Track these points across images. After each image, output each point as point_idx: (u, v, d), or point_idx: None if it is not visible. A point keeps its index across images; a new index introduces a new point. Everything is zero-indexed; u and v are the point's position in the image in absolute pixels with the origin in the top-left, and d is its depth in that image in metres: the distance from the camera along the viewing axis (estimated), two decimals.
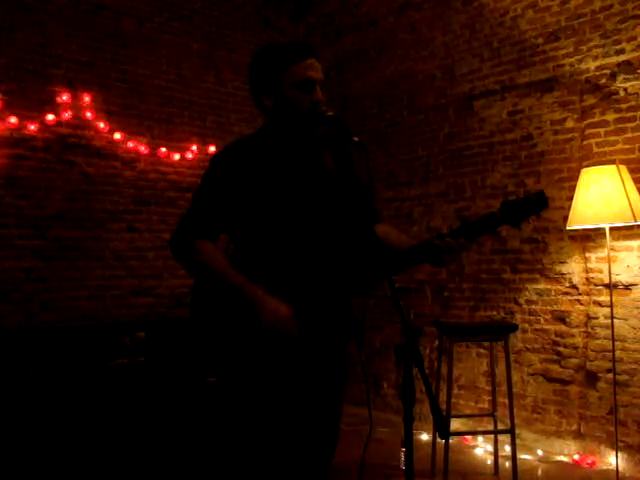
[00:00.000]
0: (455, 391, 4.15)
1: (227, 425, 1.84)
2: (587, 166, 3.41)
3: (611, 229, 3.25)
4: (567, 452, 3.61)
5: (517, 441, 3.23)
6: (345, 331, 1.82)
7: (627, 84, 3.45)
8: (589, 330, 3.59)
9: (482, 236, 1.81)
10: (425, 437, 3.97)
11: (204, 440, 3.30)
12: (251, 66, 1.80)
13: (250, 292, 1.62)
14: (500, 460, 3.44)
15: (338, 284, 1.72)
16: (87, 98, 4.02)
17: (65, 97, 3.92)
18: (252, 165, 1.72)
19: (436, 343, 3.88)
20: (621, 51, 3.46)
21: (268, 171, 1.72)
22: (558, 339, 3.73)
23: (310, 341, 1.71)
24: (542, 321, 3.82)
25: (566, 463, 3.54)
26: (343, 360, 1.89)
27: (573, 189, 3.42)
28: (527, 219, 1.75)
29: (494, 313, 4.08)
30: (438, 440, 3.38)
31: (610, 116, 3.51)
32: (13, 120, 3.69)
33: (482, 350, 4.09)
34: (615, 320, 3.32)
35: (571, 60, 3.70)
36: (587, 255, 3.61)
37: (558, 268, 3.75)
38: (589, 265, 3.60)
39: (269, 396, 1.72)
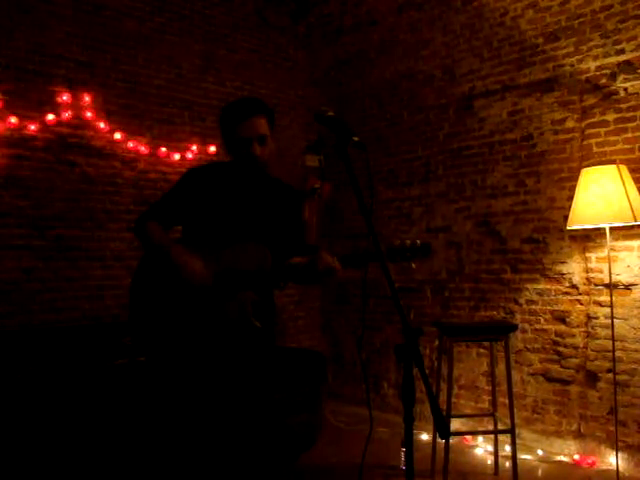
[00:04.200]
0: (455, 391, 4.15)
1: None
2: (587, 166, 3.41)
3: (611, 229, 3.25)
4: (567, 452, 3.62)
5: (517, 441, 3.24)
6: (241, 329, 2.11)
7: (627, 84, 3.45)
8: (589, 330, 3.59)
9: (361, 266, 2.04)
10: (425, 437, 3.97)
11: (203, 440, 3.29)
12: (218, 121, 2.24)
13: (175, 252, 2.08)
14: (500, 460, 3.44)
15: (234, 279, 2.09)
16: (87, 98, 4.02)
17: (65, 97, 3.92)
18: (211, 186, 2.22)
19: (436, 343, 3.88)
20: (621, 51, 3.46)
21: (218, 194, 2.21)
22: (558, 339, 3.73)
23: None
24: (542, 321, 3.82)
25: (566, 463, 3.55)
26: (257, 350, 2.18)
27: (573, 189, 3.43)
28: (405, 261, 1.99)
29: (494, 313, 4.08)
30: (438, 440, 3.39)
31: (610, 116, 3.52)
32: (13, 120, 3.69)
33: (482, 350, 4.09)
34: (615, 320, 3.32)
35: (571, 60, 3.70)
36: (587, 255, 3.61)
37: (558, 268, 3.75)
38: (589, 265, 3.61)
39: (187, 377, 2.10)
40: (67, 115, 3.92)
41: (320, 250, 2.05)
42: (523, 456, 3.57)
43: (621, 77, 3.47)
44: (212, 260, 2.10)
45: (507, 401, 3.26)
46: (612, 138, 3.51)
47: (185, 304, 2.10)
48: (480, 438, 3.85)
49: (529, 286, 3.90)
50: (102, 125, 4.08)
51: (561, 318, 3.73)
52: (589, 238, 3.59)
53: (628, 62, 3.44)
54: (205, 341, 2.08)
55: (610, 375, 3.39)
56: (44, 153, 3.84)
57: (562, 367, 3.71)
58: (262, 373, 2.17)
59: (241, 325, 2.06)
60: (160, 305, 2.17)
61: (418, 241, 2.00)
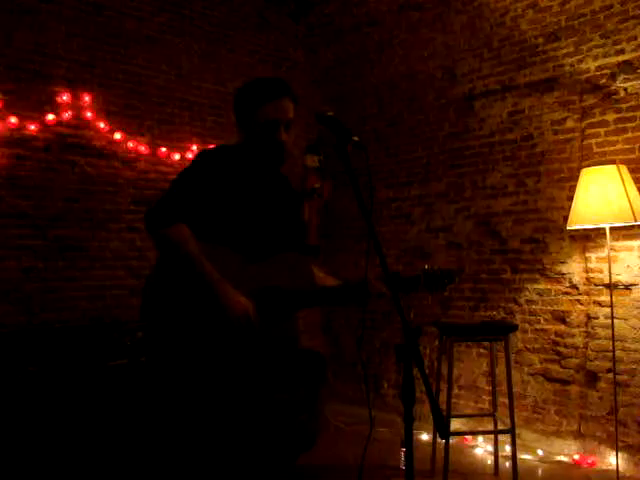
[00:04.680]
0: (455, 391, 4.15)
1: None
2: (587, 166, 3.41)
3: (611, 229, 3.25)
4: (567, 452, 3.61)
5: (517, 441, 3.23)
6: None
7: (627, 84, 3.45)
8: (589, 330, 3.59)
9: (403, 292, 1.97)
10: (425, 437, 3.97)
11: (203, 440, 3.29)
12: (234, 101, 2.01)
13: (218, 285, 1.79)
14: (500, 460, 3.44)
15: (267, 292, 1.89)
16: (87, 98, 4.02)
17: (65, 97, 3.92)
18: (227, 173, 1.94)
19: (436, 343, 3.88)
20: (621, 51, 3.46)
21: (235, 183, 1.95)
22: (558, 339, 3.73)
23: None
24: (542, 321, 3.82)
25: (566, 463, 3.54)
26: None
27: (573, 189, 3.42)
28: (440, 290, 1.95)
29: (494, 313, 4.07)
30: (438, 440, 3.39)
31: (610, 116, 3.51)
32: (13, 120, 3.69)
33: (482, 350, 4.09)
34: (615, 320, 3.32)
35: (571, 60, 3.70)
36: (587, 255, 3.61)
37: (558, 268, 3.75)
38: (589, 265, 3.60)
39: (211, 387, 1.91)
40: (67, 115, 3.92)
41: (368, 277, 1.89)
42: (523, 456, 3.57)
43: (621, 77, 3.47)
44: (246, 279, 1.85)
45: (507, 401, 3.25)
46: (612, 138, 3.51)
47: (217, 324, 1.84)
48: (480, 438, 3.85)
49: (529, 286, 3.90)
50: (102, 125, 4.08)
51: (561, 318, 3.72)
52: (589, 238, 3.59)
53: (628, 62, 3.44)
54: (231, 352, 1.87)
55: (610, 375, 3.38)
56: (44, 153, 3.84)
57: (562, 367, 3.71)
58: (269, 373, 2.04)
59: (286, 347, 1.91)
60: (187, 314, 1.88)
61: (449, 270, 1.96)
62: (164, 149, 4.39)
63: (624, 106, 3.46)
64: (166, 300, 1.89)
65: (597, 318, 3.55)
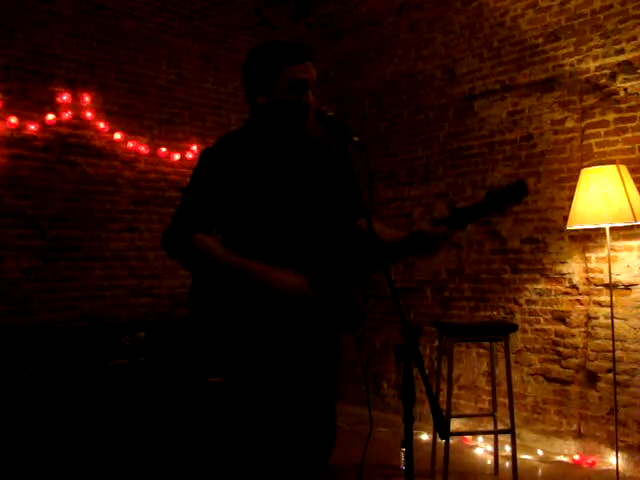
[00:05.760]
0: (455, 391, 4.15)
1: (229, 422, 1.88)
2: (587, 166, 3.41)
3: (611, 229, 3.25)
4: (567, 452, 3.61)
5: (517, 441, 3.23)
6: (339, 319, 1.84)
7: (627, 84, 3.44)
8: (589, 330, 3.59)
9: (470, 223, 2.04)
10: (425, 437, 3.97)
11: (204, 440, 3.30)
12: (246, 63, 1.86)
13: (258, 269, 1.67)
14: (500, 460, 3.44)
15: (328, 274, 1.76)
16: (87, 98, 4.02)
17: (65, 97, 3.92)
18: (241, 162, 1.77)
19: (436, 343, 3.88)
20: (621, 51, 3.46)
21: (256, 168, 1.77)
22: (558, 339, 3.73)
23: (307, 327, 1.76)
24: (542, 321, 3.82)
25: (566, 463, 3.54)
26: (335, 350, 1.94)
27: (573, 189, 3.42)
28: (510, 206, 1.91)
29: (494, 313, 4.07)
30: (438, 440, 3.38)
31: (610, 116, 3.51)
32: (13, 120, 3.69)
33: (482, 350, 4.09)
34: (615, 320, 3.32)
35: (571, 60, 3.70)
36: (587, 255, 3.61)
37: (558, 268, 3.75)
38: (589, 265, 3.60)
39: (268, 390, 1.78)
40: (67, 115, 3.92)
41: (422, 223, 1.84)
42: (523, 456, 3.56)
43: (621, 77, 3.47)
44: (294, 260, 1.72)
45: (507, 401, 3.25)
46: (612, 138, 3.51)
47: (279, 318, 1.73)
48: (480, 438, 3.85)
49: (529, 286, 3.90)
50: (102, 125, 4.08)
51: (561, 318, 3.72)
52: (589, 238, 3.59)
53: (628, 62, 3.44)
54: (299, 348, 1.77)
55: (610, 375, 3.38)
56: (44, 153, 3.84)
57: (562, 367, 3.71)
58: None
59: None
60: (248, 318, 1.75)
61: (513, 181, 1.88)
62: (164, 149, 4.38)
63: (624, 106, 3.46)
64: (217, 305, 1.78)
65: (597, 318, 3.55)
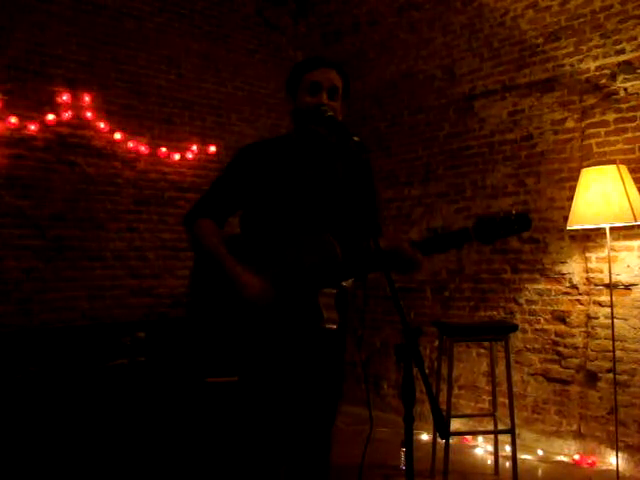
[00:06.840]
0: (455, 391, 4.15)
1: (232, 419, 1.93)
2: (587, 166, 3.41)
3: (611, 229, 3.25)
4: (567, 452, 3.61)
5: (517, 441, 3.23)
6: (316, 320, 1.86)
7: (627, 84, 3.45)
8: (589, 330, 3.59)
9: (448, 250, 1.86)
10: (425, 437, 3.97)
11: (203, 440, 3.30)
12: (287, 79, 2.04)
13: (229, 266, 1.80)
14: (500, 460, 3.44)
15: (316, 274, 1.82)
16: (87, 98, 4.02)
17: (65, 97, 3.92)
18: (270, 163, 1.92)
19: (436, 343, 3.88)
20: (621, 51, 3.46)
21: (281, 171, 1.91)
22: (558, 339, 3.73)
23: (307, 327, 1.81)
24: (542, 321, 3.82)
25: (566, 463, 3.54)
26: (341, 352, 2.04)
27: (573, 189, 3.42)
28: (502, 238, 1.74)
29: (494, 313, 4.07)
30: (438, 440, 3.38)
31: (610, 116, 3.51)
32: (13, 120, 3.69)
33: (482, 350, 4.09)
34: (615, 320, 3.32)
35: (571, 60, 3.70)
36: (587, 255, 3.61)
37: (558, 268, 3.75)
38: (589, 265, 3.60)
39: (268, 390, 1.85)
40: (67, 115, 3.92)
41: (399, 242, 1.80)
42: (523, 456, 3.56)
43: (621, 77, 3.47)
44: (271, 263, 1.82)
45: (507, 401, 3.25)
46: (612, 138, 3.51)
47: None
48: (480, 438, 3.85)
49: (529, 286, 3.90)
50: (102, 125, 4.08)
51: (561, 318, 3.72)
52: (589, 238, 3.59)
53: (628, 62, 3.44)
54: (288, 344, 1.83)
55: (610, 375, 3.38)
56: (44, 153, 3.84)
57: (562, 367, 3.71)
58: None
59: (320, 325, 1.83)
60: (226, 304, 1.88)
61: (513, 211, 1.70)
62: (164, 149, 4.38)
63: (624, 106, 3.46)
64: (207, 291, 1.93)
65: (597, 318, 3.55)
